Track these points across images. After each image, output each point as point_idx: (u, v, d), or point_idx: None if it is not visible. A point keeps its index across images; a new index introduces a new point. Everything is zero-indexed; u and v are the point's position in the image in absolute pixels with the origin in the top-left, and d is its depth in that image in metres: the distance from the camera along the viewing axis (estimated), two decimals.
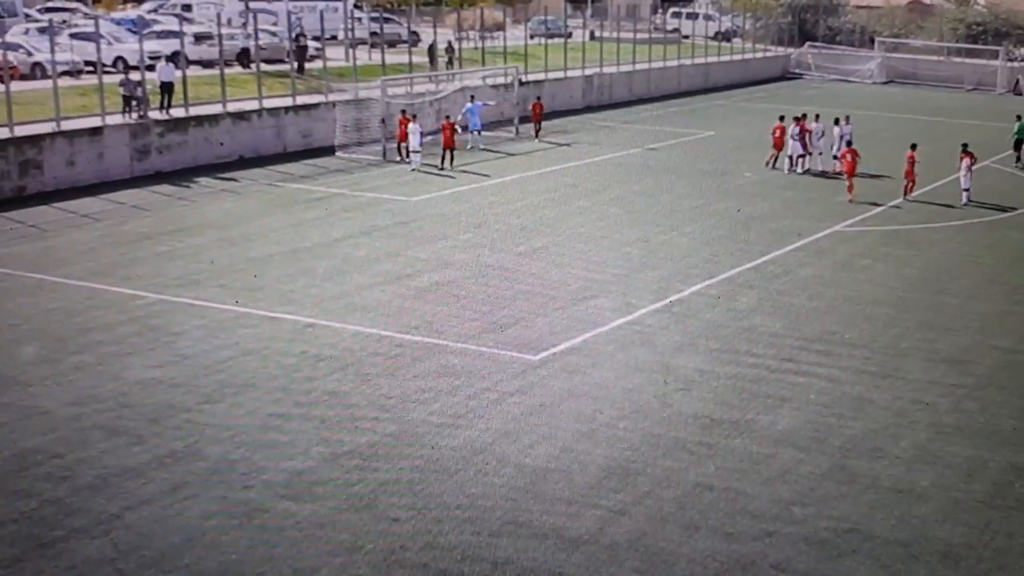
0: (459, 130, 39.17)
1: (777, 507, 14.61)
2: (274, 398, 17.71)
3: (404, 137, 38.23)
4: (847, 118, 39.91)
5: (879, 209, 33.23)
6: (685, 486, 15.12)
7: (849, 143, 37.12)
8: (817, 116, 39.80)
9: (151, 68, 38.08)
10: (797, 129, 38.34)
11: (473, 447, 16.10)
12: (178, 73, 38.22)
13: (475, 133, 41.72)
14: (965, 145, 34.71)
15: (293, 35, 48.67)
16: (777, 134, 39.02)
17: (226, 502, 14.33)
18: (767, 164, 39.06)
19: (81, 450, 15.72)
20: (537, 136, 44.85)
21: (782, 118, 39.64)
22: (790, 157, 38.68)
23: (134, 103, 35.89)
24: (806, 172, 38.42)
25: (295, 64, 46.44)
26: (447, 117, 39.14)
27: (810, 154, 38.65)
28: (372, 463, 15.52)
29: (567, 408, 17.69)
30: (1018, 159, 41.50)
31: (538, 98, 46.68)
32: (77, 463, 15.31)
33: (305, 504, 14.31)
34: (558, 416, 17.37)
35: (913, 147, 34.68)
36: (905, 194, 34.37)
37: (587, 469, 15.55)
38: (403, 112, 38.91)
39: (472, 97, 42.76)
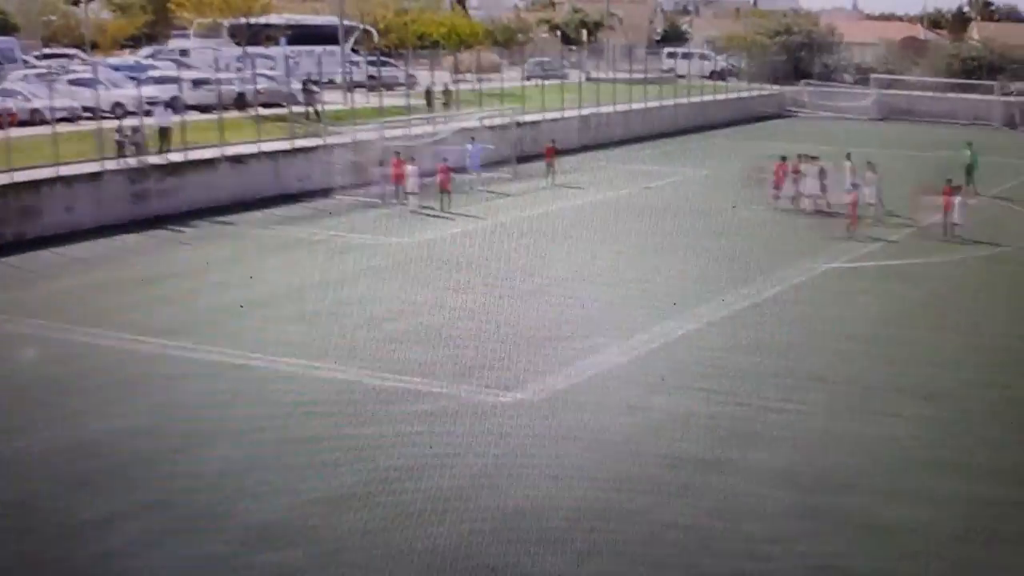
0: (454, 172, 39.41)
1: (746, 545, 14.72)
2: (246, 447, 17.68)
3: (399, 179, 38.61)
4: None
5: (871, 246, 33.37)
6: (655, 525, 15.24)
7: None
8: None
9: (149, 113, 38.60)
10: (816, 169, 38.10)
11: (445, 492, 16.00)
12: (176, 118, 38.68)
13: (474, 175, 42.04)
14: (950, 180, 34.91)
15: (302, 81, 49.18)
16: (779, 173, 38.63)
17: (195, 552, 14.34)
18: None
19: (49, 501, 15.66)
20: (552, 179, 44.03)
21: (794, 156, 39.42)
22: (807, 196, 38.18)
23: (130, 148, 36.33)
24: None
25: (311, 109, 47.10)
26: (444, 160, 39.45)
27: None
28: (341, 511, 15.36)
29: (540, 450, 17.77)
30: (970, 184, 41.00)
31: (552, 141, 45.60)
32: (46, 514, 15.26)
33: (274, 553, 14.28)
34: (532, 458, 17.44)
35: (855, 187, 35.31)
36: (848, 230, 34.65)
37: (559, 511, 15.58)
38: (396, 154, 39.28)
39: (472, 139, 43.10)
